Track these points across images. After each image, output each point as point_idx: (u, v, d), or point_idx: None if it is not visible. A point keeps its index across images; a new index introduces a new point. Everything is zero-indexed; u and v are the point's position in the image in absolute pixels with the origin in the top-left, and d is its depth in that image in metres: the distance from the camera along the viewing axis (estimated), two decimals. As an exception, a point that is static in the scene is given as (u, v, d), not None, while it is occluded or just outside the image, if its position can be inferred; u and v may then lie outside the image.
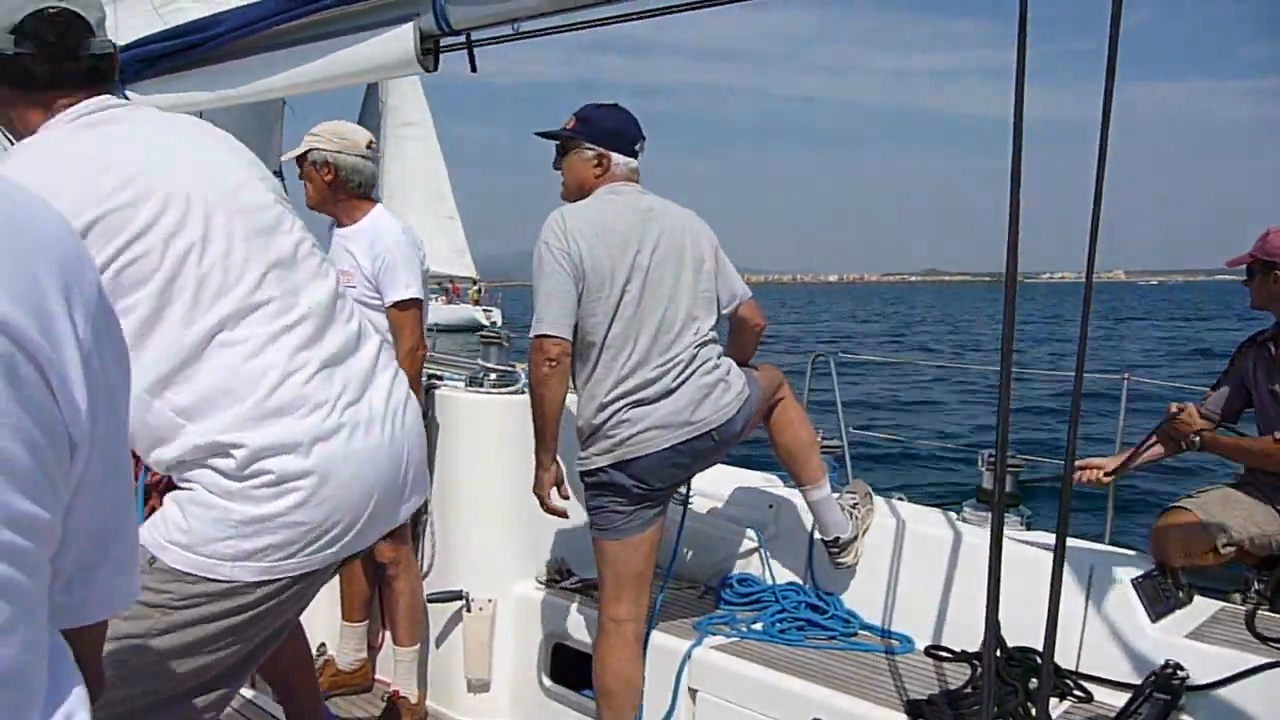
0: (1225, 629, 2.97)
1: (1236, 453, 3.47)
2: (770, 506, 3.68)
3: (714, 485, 3.87)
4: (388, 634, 3.58)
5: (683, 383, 2.79)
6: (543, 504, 2.91)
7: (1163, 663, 2.66)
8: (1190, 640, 2.83)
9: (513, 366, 3.76)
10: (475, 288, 47.08)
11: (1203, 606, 3.13)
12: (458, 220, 44.06)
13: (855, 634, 3.21)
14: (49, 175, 1.67)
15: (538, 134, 3.04)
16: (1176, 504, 3.31)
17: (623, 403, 2.76)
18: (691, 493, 3.88)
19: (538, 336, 2.75)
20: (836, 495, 3.37)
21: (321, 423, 1.78)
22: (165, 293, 1.71)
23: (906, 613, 3.22)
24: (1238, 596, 3.19)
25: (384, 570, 3.44)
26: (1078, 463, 3.45)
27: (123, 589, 0.97)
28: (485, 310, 41.43)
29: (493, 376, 3.69)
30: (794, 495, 3.52)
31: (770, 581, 3.49)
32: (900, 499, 3.82)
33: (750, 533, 3.64)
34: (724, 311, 3.01)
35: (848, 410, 5.12)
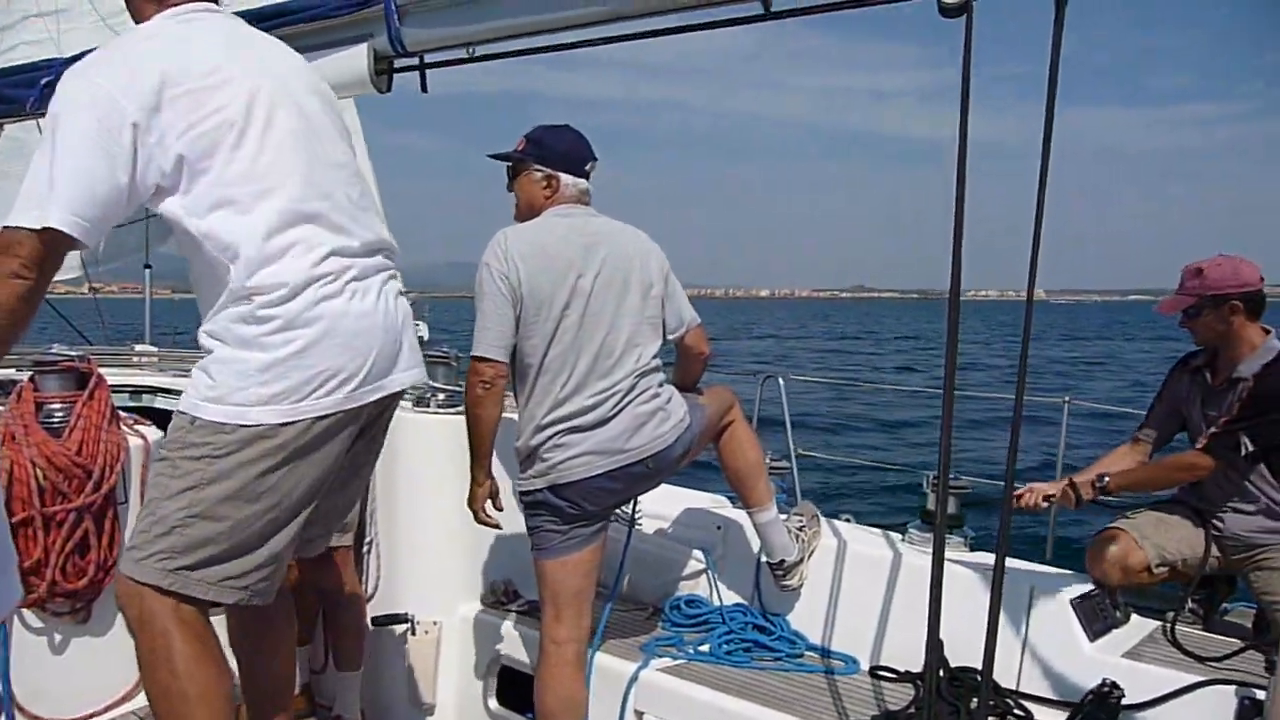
0: (1161, 648, 3.03)
1: (1148, 483, 3.47)
2: (718, 528, 3.69)
3: (662, 506, 3.88)
4: (331, 657, 3.52)
5: (619, 411, 2.78)
6: (476, 518, 2.97)
7: (1100, 682, 2.70)
8: (1127, 659, 2.89)
9: (461, 387, 3.73)
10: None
11: (1140, 626, 3.19)
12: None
13: (801, 655, 3.22)
14: (147, 49, 2.05)
15: (490, 156, 3.05)
16: (1112, 525, 3.37)
17: (558, 427, 2.77)
18: (639, 514, 3.87)
19: (473, 358, 2.81)
20: (784, 517, 3.39)
21: (328, 284, 2.07)
22: (230, 160, 2.02)
23: (851, 634, 3.24)
24: (1172, 615, 3.27)
25: (327, 592, 3.38)
26: (1021, 488, 3.49)
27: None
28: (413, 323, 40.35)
29: (440, 397, 3.66)
30: (742, 517, 3.54)
31: (718, 603, 3.49)
32: (848, 520, 3.86)
33: (698, 554, 3.64)
34: (670, 337, 3.01)
35: (797, 431, 5.17)
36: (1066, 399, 4.70)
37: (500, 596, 3.61)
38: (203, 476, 2.03)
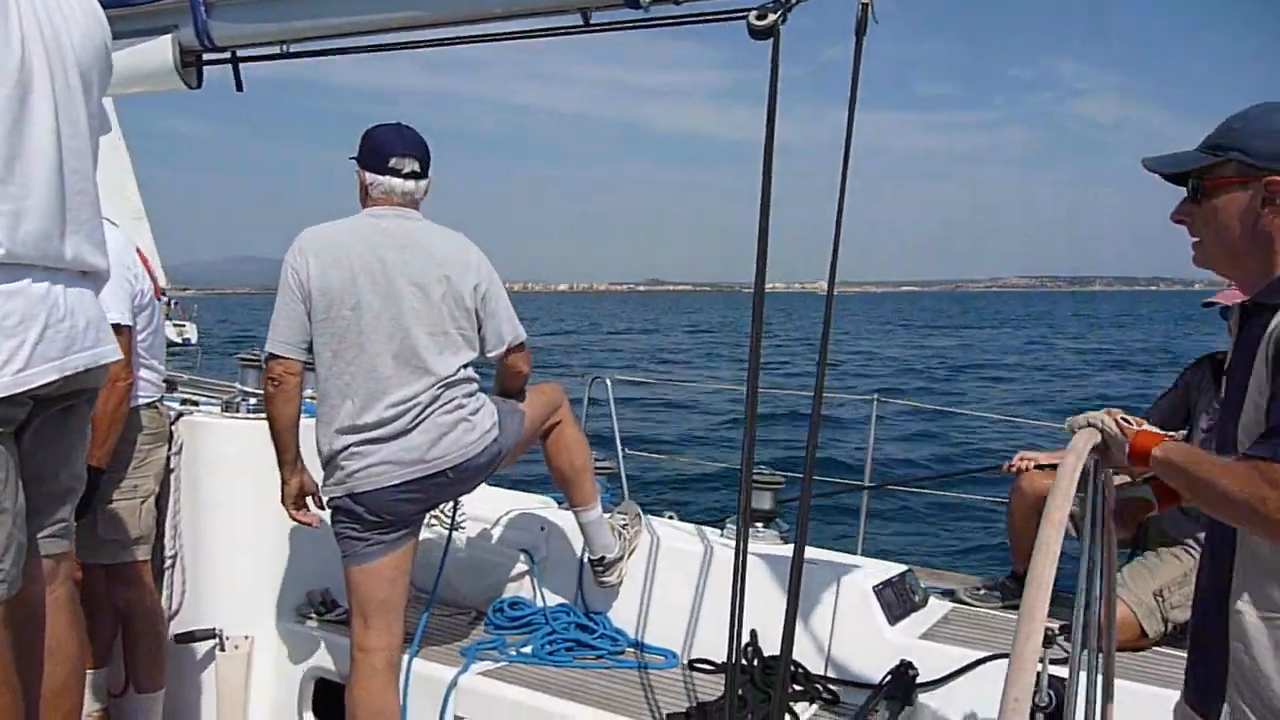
0: (954, 628, 3.24)
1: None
2: (542, 529, 3.70)
3: (486, 508, 3.86)
4: (131, 680, 3.31)
5: (420, 422, 2.73)
6: (291, 516, 2.93)
7: (898, 662, 2.86)
8: (924, 640, 3.08)
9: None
10: (165, 299, 42.38)
11: (936, 608, 3.40)
12: (145, 221, 39.71)
13: (623, 652, 3.27)
14: None
15: (351, 158, 2.94)
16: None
17: (355, 437, 2.71)
18: (463, 516, 3.84)
19: (266, 354, 2.76)
20: (608, 516, 3.43)
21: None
22: None
23: (672, 628, 3.32)
24: (963, 592, 3.51)
25: (123, 611, 3.19)
26: (1019, 454, 3.63)
27: None
28: (177, 325, 34.75)
29: (251, 401, 3.50)
30: (567, 518, 3.56)
31: (541, 604, 3.50)
32: (671, 517, 3.94)
33: (521, 556, 3.64)
34: (490, 354, 2.92)
35: (624, 430, 5.24)
36: (875, 397, 4.95)
37: (318, 607, 3.49)
38: None
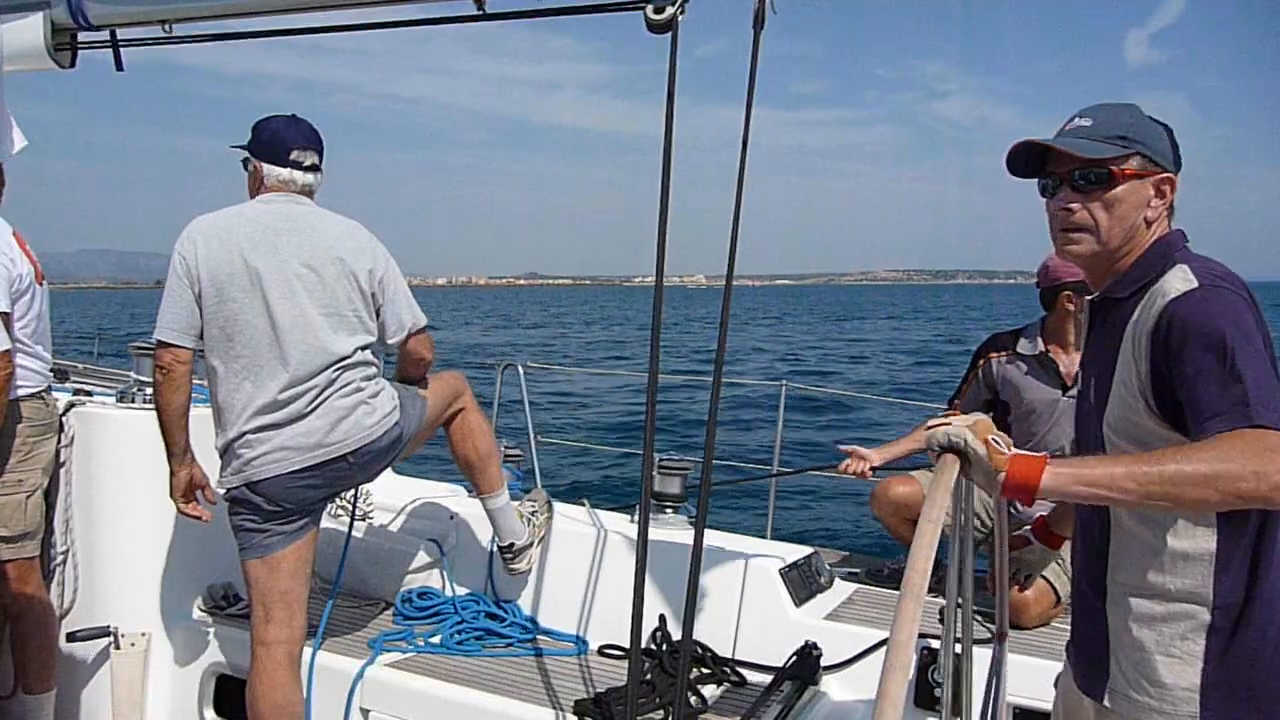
0: (859, 609, 3.32)
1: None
2: (451, 518, 3.67)
3: (394, 498, 3.81)
4: (20, 680, 3.19)
5: (317, 406, 2.69)
6: (180, 510, 2.86)
7: (803, 643, 2.92)
8: (828, 621, 3.15)
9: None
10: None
11: (842, 589, 3.48)
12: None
13: (533, 640, 3.27)
14: None
15: (231, 147, 2.91)
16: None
17: (251, 424, 2.66)
18: (370, 506, 3.79)
19: (155, 342, 2.71)
20: (516, 503, 3.42)
21: None
22: None
23: (582, 615, 3.33)
24: (866, 574, 3.60)
25: (9, 609, 3.07)
26: (847, 449, 3.67)
27: None
28: None
29: (147, 391, 3.39)
30: (476, 506, 3.52)
31: (450, 593, 3.47)
32: (583, 504, 3.95)
33: (430, 545, 3.60)
34: (390, 341, 2.90)
35: (537, 418, 5.22)
36: (783, 384, 5.03)
37: (219, 601, 3.41)
38: None
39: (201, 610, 3.38)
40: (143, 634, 3.24)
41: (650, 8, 2.18)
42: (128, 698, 3.19)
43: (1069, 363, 3.47)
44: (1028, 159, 1.72)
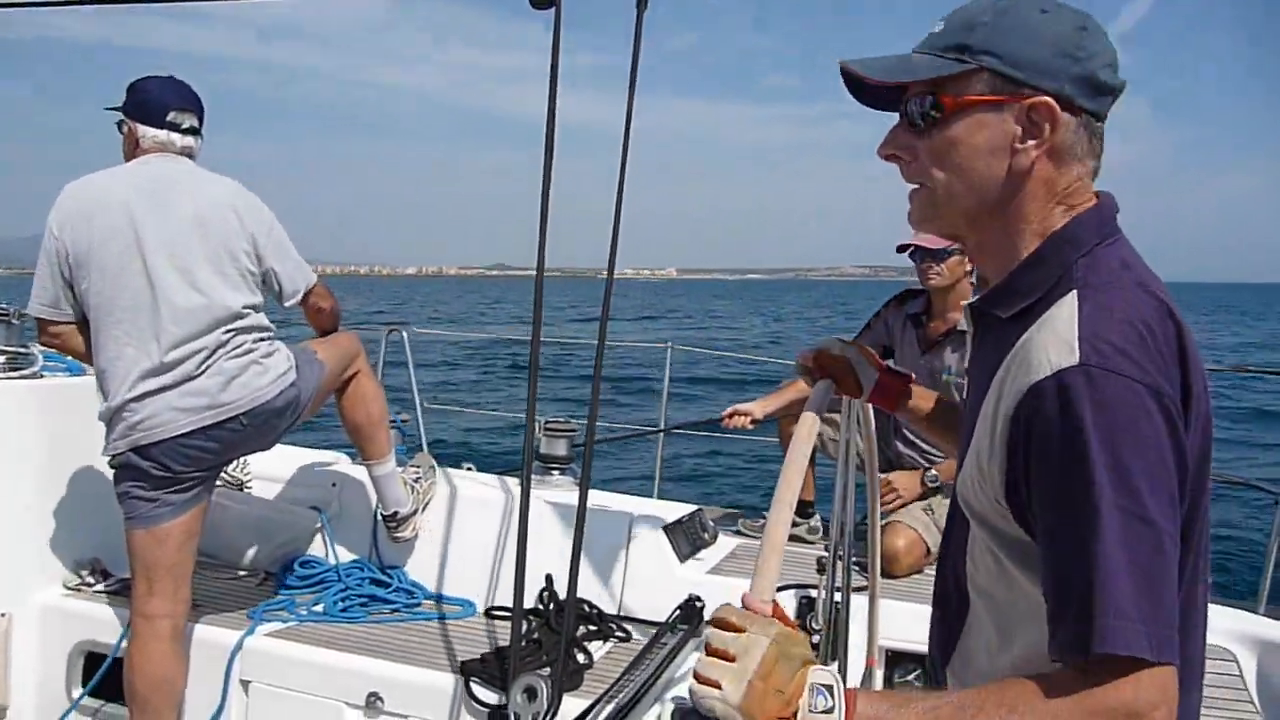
0: (741, 562, 3.42)
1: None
2: (333, 485, 3.60)
3: (275, 466, 3.71)
4: None
5: (207, 367, 2.63)
6: None
7: (685, 597, 2.99)
8: (711, 575, 3.23)
9: (26, 347, 3.31)
10: None
11: (726, 544, 3.57)
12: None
13: (420, 605, 3.25)
14: None
15: (105, 109, 2.81)
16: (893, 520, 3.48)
17: (137, 389, 2.58)
18: (249, 475, 3.69)
19: (34, 318, 2.70)
20: (400, 470, 3.38)
21: None
22: None
23: (469, 577, 3.32)
24: (744, 526, 3.71)
25: None
26: (728, 410, 3.71)
27: None
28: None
29: (0, 360, 3.22)
30: (360, 472, 3.48)
31: (334, 561, 3.42)
32: (469, 469, 3.93)
33: (312, 513, 3.53)
34: (288, 303, 2.85)
35: (423, 385, 5.16)
36: (669, 344, 5.09)
37: (87, 577, 3.28)
38: None
39: (67, 588, 3.24)
40: (3, 614, 3.09)
41: None
42: (-11, 680, 3.05)
43: (935, 327, 3.59)
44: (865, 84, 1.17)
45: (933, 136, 1.12)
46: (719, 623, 1.01)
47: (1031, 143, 1.09)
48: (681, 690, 2.58)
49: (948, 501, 1.35)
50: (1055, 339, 1.02)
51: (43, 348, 2.61)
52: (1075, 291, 1.06)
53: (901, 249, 3.54)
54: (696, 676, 0.98)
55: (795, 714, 0.97)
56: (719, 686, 0.96)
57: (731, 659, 0.98)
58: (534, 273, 2.20)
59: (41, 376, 3.28)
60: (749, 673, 0.96)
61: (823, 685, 0.98)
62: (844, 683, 0.98)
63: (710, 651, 0.99)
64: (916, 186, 1.17)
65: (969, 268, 3.47)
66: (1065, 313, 1.04)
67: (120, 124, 2.77)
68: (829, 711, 0.96)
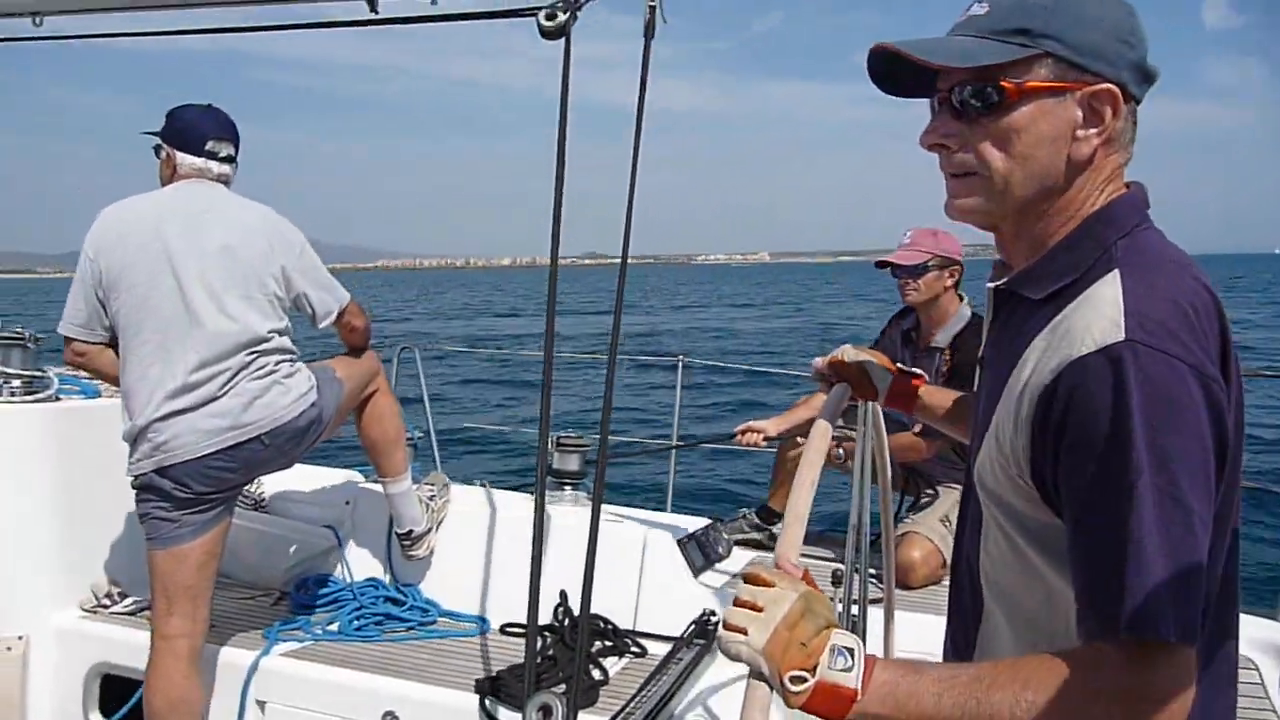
0: (756, 576, 3.39)
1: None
2: (347, 503, 3.61)
3: (290, 484, 3.73)
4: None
5: (230, 388, 2.66)
6: None
7: (700, 612, 2.98)
8: (728, 589, 3.21)
9: (42, 371, 3.33)
10: None
11: (740, 558, 3.56)
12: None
13: (434, 623, 3.25)
14: None
15: (143, 133, 2.87)
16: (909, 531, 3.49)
17: (162, 409, 2.61)
18: (263, 494, 3.70)
19: (64, 337, 2.73)
20: (415, 487, 3.38)
21: None
22: None
23: (484, 596, 3.31)
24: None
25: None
26: (742, 426, 3.72)
27: None
28: None
29: (15, 384, 3.23)
30: (374, 490, 3.48)
31: (349, 580, 3.42)
32: (483, 485, 3.92)
33: (327, 531, 3.54)
34: (321, 325, 2.90)
35: (434, 401, 5.17)
36: (680, 359, 5.09)
37: (104, 599, 3.28)
38: None
39: (84, 610, 3.25)
40: (19, 637, 3.10)
41: (543, 14, 2.18)
42: (5, 704, 3.06)
43: (923, 342, 3.63)
44: (898, 69, 1.14)
45: (987, 124, 1.09)
46: (750, 578, 1.05)
47: (1093, 130, 1.07)
48: (697, 708, 2.57)
49: None
50: (1099, 315, 1.00)
51: (59, 371, 2.62)
52: (1118, 270, 1.04)
53: (880, 265, 3.61)
54: (725, 624, 1.02)
55: (815, 668, 0.98)
56: (745, 633, 0.99)
57: (759, 609, 1.01)
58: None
59: (57, 399, 3.30)
60: (776, 620, 1.00)
61: (844, 647, 1.00)
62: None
63: (739, 603, 1.03)
64: (961, 175, 1.13)
65: (948, 282, 3.53)
66: (1109, 290, 1.02)
67: (158, 149, 2.83)
68: (848, 670, 0.98)
